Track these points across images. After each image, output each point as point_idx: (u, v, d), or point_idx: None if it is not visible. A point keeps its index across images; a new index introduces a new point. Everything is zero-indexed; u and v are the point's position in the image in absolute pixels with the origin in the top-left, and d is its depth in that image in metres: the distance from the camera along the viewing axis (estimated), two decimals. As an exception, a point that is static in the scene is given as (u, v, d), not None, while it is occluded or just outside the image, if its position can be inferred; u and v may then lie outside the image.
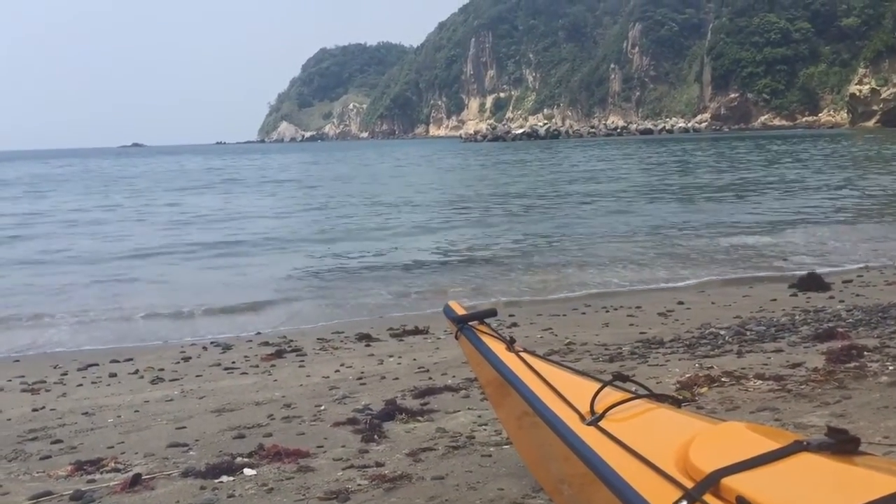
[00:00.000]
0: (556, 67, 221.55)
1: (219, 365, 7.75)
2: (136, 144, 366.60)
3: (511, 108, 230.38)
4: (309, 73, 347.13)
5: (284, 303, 11.92)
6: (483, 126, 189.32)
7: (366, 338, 8.79)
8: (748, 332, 7.30)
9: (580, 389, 2.59)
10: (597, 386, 2.54)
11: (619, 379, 2.57)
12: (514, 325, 8.93)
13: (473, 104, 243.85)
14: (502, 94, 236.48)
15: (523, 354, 3.18)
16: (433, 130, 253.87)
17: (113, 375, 7.48)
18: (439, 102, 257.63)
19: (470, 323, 3.46)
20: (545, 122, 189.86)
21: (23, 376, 7.69)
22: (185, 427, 5.23)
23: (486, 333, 3.41)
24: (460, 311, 3.54)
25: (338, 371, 6.99)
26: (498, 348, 3.28)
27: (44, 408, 6.20)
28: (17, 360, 8.82)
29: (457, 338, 3.51)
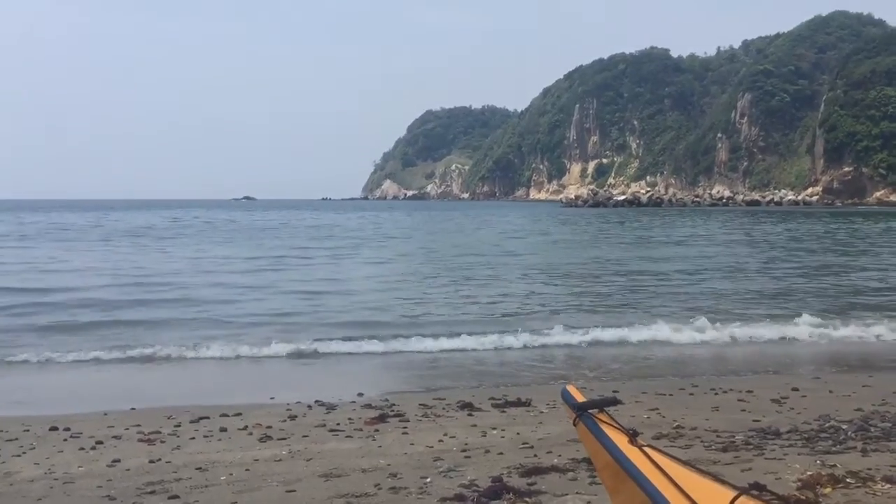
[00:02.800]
0: (661, 135, 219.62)
1: (324, 426, 7.86)
2: (247, 198, 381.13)
3: (613, 174, 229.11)
4: (414, 133, 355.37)
5: (390, 365, 12.09)
6: (584, 191, 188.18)
7: (468, 406, 8.77)
8: (872, 429, 6.92)
9: (712, 495, 2.51)
10: (729, 493, 2.46)
11: (756, 489, 2.48)
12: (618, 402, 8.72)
13: (575, 169, 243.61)
14: (605, 160, 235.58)
15: (648, 450, 3.11)
16: (533, 194, 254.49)
17: (223, 430, 7.68)
18: (541, 166, 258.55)
19: (590, 411, 3.41)
20: (648, 189, 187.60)
21: (139, 425, 7.99)
22: (294, 491, 5.32)
23: (606, 423, 3.35)
24: (579, 397, 3.49)
25: (441, 441, 6.98)
26: (620, 440, 3.22)
27: (160, 460, 6.42)
28: (133, 409, 9.18)
29: (574, 424, 3.46)
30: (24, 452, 6.80)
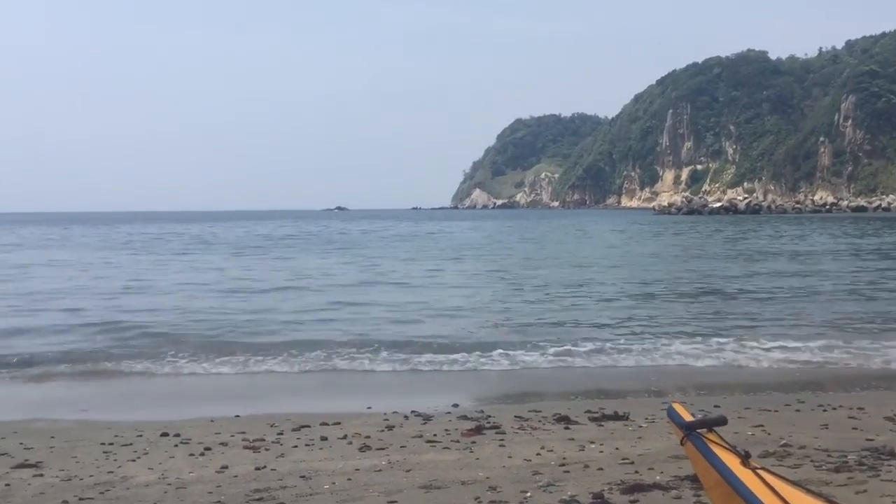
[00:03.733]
0: (759, 140, 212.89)
1: (421, 436, 7.93)
2: (339, 208, 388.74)
3: (708, 180, 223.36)
4: (503, 142, 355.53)
5: (484, 377, 12.13)
6: (678, 198, 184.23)
7: (564, 420, 8.71)
8: None
9: None
10: None
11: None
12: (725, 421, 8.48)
13: (668, 176, 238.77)
14: (699, 167, 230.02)
15: (762, 472, 3.04)
16: (625, 201, 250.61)
17: (324, 439, 7.85)
18: (632, 173, 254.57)
19: (698, 430, 3.34)
20: (745, 195, 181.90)
21: (244, 432, 8.25)
22: (395, 502, 5.40)
23: (716, 444, 3.28)
24: (687, 416, 3.43)
25: (539, 454, 6.96)
26: (731, 462, 3.15)
27: (265, 467, 6.62)
28: (238, 416, 9.49)
29: (682, 443, 3.40)
30: (138, 457, 7.11)
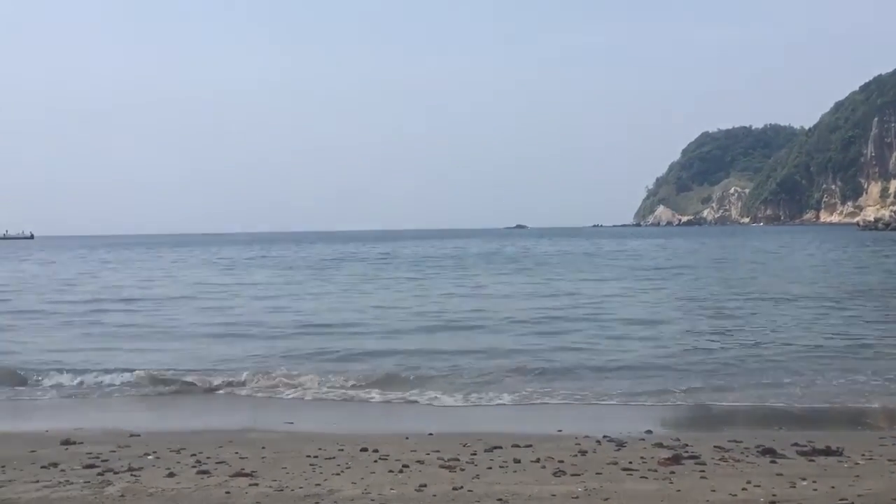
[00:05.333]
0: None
1: (615, 463, 7.75)
2: (519, 226, 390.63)
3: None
4: (689, 156, 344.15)
5: (682, 403, 11.72)
6: (885, 213, 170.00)
7: (769, 452, 8.22)
8: None
9: None
10: None
11: None
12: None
13: (874, 189, 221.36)
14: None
15: None
16: (824, 216, 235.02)
17: (517, 461, 7.86)
18: (833, 187, 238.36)
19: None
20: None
21: (438, 451, 8.42)
22: (597, 531, 5.28)
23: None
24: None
25: (745, 489, 6.60)
26: None
27: (462, 487, 6.71)
28: (431, 434, 9.71)
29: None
30: (342, 471, 7.43)
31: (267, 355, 16.24)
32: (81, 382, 13.70)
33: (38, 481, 7.10)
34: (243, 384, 13.40)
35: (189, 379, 13.71)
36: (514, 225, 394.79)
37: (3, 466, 7.84)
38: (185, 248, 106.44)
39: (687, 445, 8.69)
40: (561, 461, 7.86)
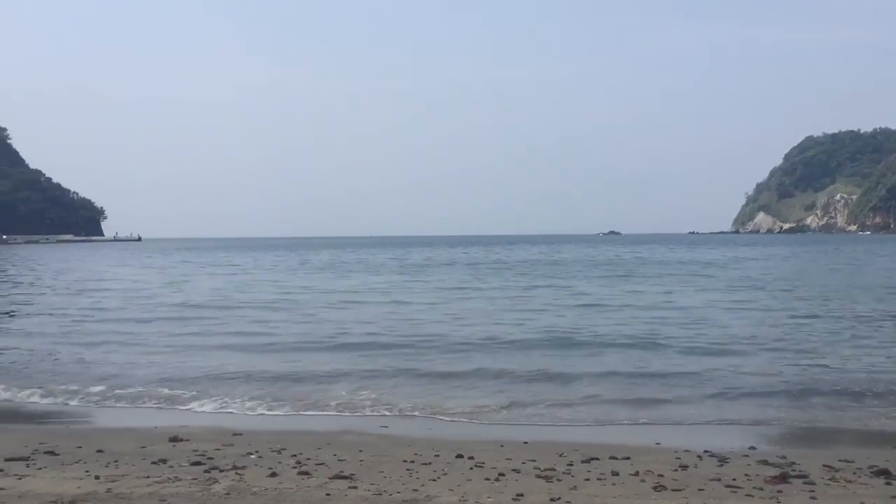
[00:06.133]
0: None
1: (719, 480, 7.52)
2: (612, 232, 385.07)
3: None
4: (792, 162, 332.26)
5: (786, 419, 11.28)
6: None
7: (884, 473, 7.82)
8: None
9: None
10: None
11: None
12: None
13: None
14: None
15: None
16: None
17: (615, 474, 7.71)
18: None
19: None
20: None
21: (534, 460, 8.36)
22: (700, 550, 5.13)
23: None
24: None
25: (859, 512, 6.29)
26: None
27: (559, 498, 6.63)
28: (526, 443, 9.64)
29: None
30: (438, 477, 7.45)
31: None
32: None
33: (148, 476, 7.40)
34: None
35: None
36: (606, 231, 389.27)
37: (116, 461, 8.21)
38: (280, 252, 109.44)
39: (794, 463, 8.36)
40: (661, 475, 7.68)
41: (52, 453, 8.68)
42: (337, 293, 35.01)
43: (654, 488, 7.15)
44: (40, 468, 7.89)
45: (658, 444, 9.64)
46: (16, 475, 7.48)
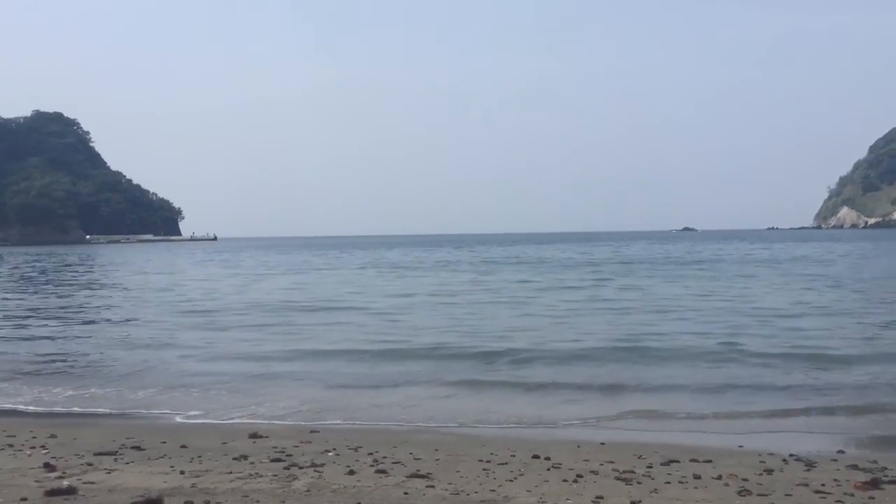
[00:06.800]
0: None
1: (806, 485, 7.26)
2: (686, 228, 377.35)
3: None
4: (878, 154, 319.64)
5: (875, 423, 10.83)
6: None
7: (984, 481, 7.43)
8: None
9: None
10: None
11: None
12: None
13: None
14: None
15: None
16: None
17: (697, 477, 7.52)
18: None
19: None
20: None
21: (612, 462, 8.23)
22: (790, 559, 4.95)
23: None
24: None
25: (960, 522, 5.98)
26: None
27: (640, 502, 6.50)
28: (603, 444, 9.50)
29: None
30: (515, 478, 7.39)
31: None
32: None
33: (230, 472, 7.55)
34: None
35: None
36: (681, 227, 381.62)
37: (199, 456, 8.42)
38: (353, 251, 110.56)
39: (886, 469, 8.05)
40: (745, 479, 7.47)
41: (138, 448, 8.95)
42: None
43: (739, 493, 6.95)
44: (128, 462, 8.14)
45: (741, 447, 9.38)
46: (105, 469, 7.73)
